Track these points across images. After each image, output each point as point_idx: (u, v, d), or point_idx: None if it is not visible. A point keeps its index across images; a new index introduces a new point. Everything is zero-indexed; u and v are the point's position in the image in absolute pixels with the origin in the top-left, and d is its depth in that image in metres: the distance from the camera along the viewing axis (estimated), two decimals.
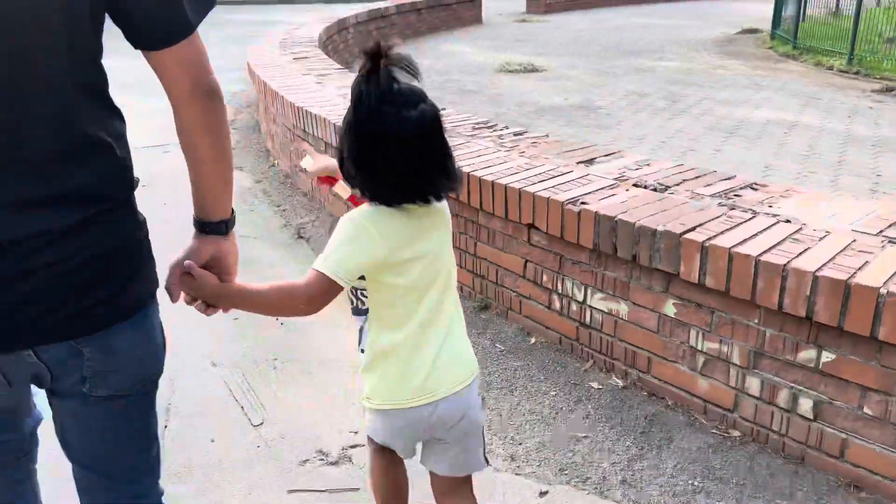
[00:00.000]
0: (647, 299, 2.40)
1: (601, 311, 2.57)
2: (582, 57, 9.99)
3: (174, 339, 1.40)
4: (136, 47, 1.10)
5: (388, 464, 1.66)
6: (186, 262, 1.24)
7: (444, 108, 3.39)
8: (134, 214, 1.17)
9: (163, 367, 1.28)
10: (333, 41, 8.51)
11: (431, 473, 1.59)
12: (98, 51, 1.07)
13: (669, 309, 2.34)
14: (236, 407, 2.45)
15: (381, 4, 11.18)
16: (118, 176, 1.12)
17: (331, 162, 1.69)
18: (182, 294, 1.27)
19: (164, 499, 1.38)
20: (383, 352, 1.42)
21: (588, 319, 2.63)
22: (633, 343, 2.49)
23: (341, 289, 1.30)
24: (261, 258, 3.66)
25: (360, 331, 1.49)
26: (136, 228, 1.16)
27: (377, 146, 1.26)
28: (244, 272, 1.36)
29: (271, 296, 1.32)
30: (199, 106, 1.13)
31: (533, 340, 2.83)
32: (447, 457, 1.52)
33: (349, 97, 1.30)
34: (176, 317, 1.43)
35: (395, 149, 1.25)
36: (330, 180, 1.76)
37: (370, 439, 1.62)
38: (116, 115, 1.13)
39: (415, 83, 1.28)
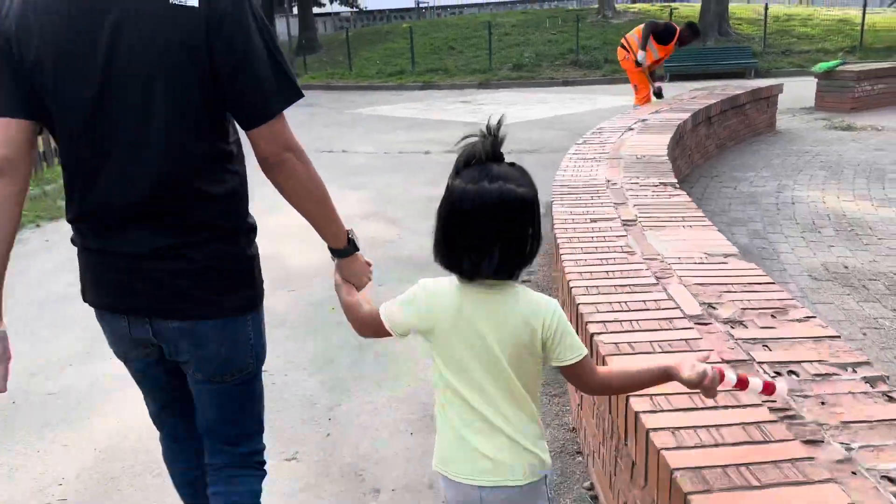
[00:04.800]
0: None
1: None
2: None
3: None
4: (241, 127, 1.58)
5: None
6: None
7: None
8: (232, 246, 1.63)
9: (250, 366, 1.74)
10: None
11: None
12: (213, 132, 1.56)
13: None
14: None
15: (677, 115, 7.37)
16: (221, 216, 1.62)
17: None
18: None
19: (265, 457, 1.87)
20: (439, 405, 1.53)
21: None
22: None
23: (389, 333, 1.54)
24: None
25: None
26: (231, 257, 1.63)
27: (456, 210, 1.36)
28: None
29: (356, 317, 1.63)
30: (269, 174, 1.59)
31: None
32: None
33: None
34: None
35: (465, 214, 1.34)
36: None
37: None
38: (233, 175, 1.62)
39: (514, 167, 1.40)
